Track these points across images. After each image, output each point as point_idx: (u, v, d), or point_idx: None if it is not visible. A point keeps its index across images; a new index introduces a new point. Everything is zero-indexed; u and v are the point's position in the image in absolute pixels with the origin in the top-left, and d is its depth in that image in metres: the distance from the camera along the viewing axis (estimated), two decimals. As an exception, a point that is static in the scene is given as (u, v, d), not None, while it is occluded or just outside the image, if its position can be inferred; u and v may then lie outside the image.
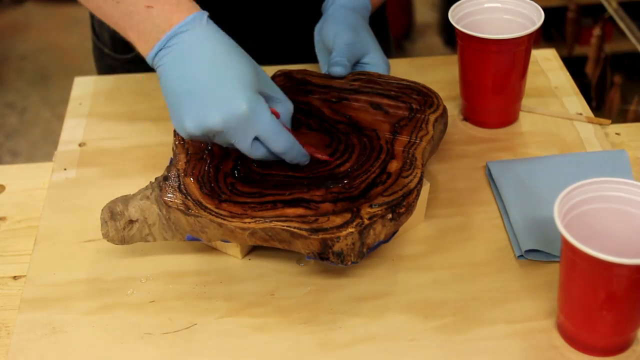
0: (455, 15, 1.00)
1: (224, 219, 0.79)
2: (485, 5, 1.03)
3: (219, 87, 0.78)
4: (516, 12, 1.02)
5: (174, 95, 0.80)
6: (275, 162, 0.85)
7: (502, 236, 0.88)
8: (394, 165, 0.84)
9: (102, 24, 1.21)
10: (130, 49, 1.19)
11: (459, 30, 0.98)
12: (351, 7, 1.02)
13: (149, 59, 0.82)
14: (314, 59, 1.05)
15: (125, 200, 0.84)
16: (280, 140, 0.81)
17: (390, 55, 1.22)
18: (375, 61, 0.98)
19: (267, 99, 0.82)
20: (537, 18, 0.99)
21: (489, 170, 0.96)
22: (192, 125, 0.79)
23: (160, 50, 0.81)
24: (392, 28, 1.33)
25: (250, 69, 0.80)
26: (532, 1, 1.01)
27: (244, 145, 0.80)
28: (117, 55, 1.21)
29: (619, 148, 1.00)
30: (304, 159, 0.84)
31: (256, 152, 0.82)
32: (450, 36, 3.10)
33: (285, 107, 0.85)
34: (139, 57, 1.17)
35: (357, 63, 0.99)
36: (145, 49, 0.82)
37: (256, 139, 0.81)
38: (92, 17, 1.24)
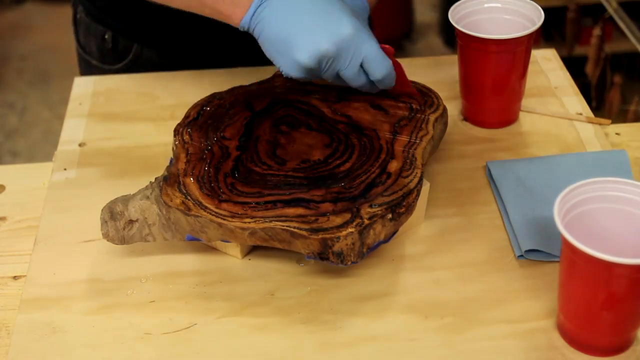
0: (455, 15, 1.00)
1: (224, 219, 0.79)
2: (485, 5, 1.03)
3: (325, 18, 0.84)
4: (516, 12, 1.02)
5: (281, 38, 0.85)
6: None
7: (502, 236, 0.88)
8: (394, 165, 0.84)
9: (87, 34, 1.19)
10: (119, 58, 1.18)
11: (459, 30, 0.98)
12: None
13: (245, 20, 0.87)
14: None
15: (125, 200, 0.84)
16: (383, 64, 0.87)
17: None
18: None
19: None
20: (537, 18, 0.99)
21: (489, 170, 0.96)
22: (306, 56, 0.84)
23: (258, 6, 0.86)
24: (392, 28, 1.33)
25: (345, 3, 0.87)
26: (532, 1, 1.01)
27: (352, 70, 0.86)
28: (106, 66, 1.20)
29: (619, 148, 1.00)
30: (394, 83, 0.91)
31: (359, 80, 0.88)
32: (450, 36, 3.10)
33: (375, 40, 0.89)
34: (128, 66, 1.18)
35: None
36: (240, 13, 0.87)
37: (361, 66, 0.87)
38: (76, 28, 1.22)
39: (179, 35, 1.15)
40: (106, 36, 1.17)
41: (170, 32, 1.15)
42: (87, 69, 1.23)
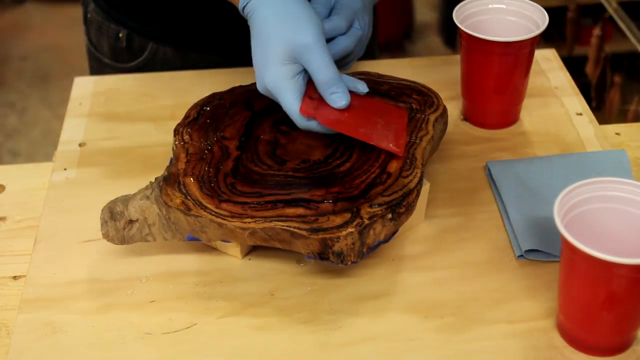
0: (459, 15, 1.00)
1: (224, 219, 0.79)
2: (490, 5, 1.02)
3: (259, 59, 0.85)
4: (521, 14, 1.01)
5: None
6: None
7: (502, 236, 0.88)
8: (394, 165, 0.84)
9: (99, 34, 1.18)
10: (132, 57, 1.18)
11: (462, 31, 0.97)
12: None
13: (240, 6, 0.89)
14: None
15: (125, 200, 0.84)
16: (297, 121, 0.84)
17: (374, 57, 1.21)
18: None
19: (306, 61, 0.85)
20: (541, 21, 0.98)
21: (489, 170, 0.96)
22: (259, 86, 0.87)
23: (243, 7, 0.87)
24: (392, 28, 1.33)
25: (285, 40, 0.83)
26: (535, 3, 1.01)
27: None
28: (119, 64, 1.18)
29: (619, 148, 1.00)
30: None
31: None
32: (450, 36, 3.10)
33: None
34: (143, 64, 1.17)
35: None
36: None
37: None
38: (87, 27, 1.20)
39: (196, 31, 1.15)
40: (120, 35, 1.16)
41: (187, 27, 1.14)
42: (99, 67, 1.22)
